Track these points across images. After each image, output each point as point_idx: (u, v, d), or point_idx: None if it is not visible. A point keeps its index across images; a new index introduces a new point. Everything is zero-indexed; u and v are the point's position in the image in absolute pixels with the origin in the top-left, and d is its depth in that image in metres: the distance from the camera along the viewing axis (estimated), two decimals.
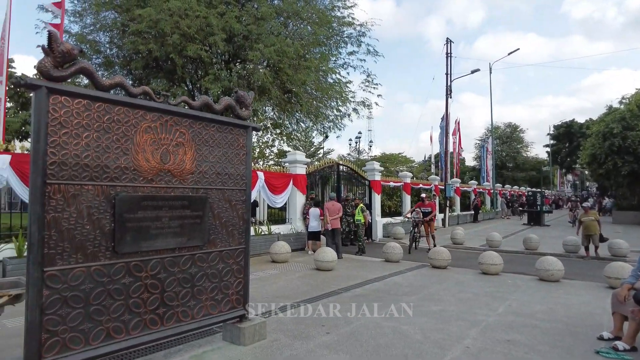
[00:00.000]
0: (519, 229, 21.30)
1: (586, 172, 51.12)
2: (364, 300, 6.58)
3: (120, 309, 3.51)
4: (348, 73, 21.85)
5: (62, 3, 10.94)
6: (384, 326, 5.30)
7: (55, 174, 3.15)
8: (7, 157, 7.36)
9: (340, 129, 18.03)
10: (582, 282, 8.27)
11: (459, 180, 27.86)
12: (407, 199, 19.61)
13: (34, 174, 3.08)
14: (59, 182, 3.17)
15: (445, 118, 24.14)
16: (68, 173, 3.22)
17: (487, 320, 5.64)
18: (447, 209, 22.90)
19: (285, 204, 13.55)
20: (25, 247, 7.29)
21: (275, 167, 14.19)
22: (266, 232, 12.23)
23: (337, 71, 16.34)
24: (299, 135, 20.42)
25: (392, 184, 18.85)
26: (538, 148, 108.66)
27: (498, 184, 36.96)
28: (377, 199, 16.70)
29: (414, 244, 13.03)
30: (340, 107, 17.30)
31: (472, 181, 32.08)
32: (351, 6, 16.34)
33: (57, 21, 11.03)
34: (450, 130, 25.41)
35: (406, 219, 13.94)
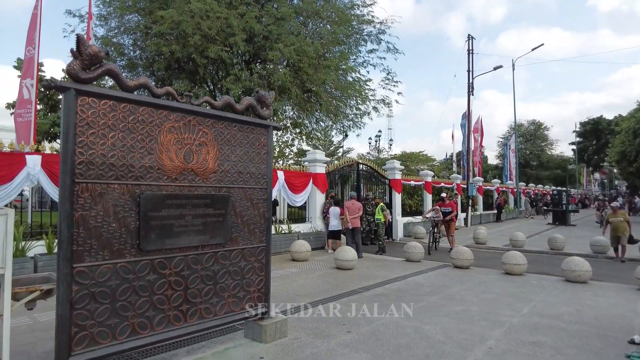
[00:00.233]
0: (544, 229, 20.81)
1: (615, 170, 49.55)
2: (385, 300, 6.55)
3: (145, 305, 3.59)
4: (368, 71, 21.87)
5: (89, 8, 11.24)
6: (405, 326, 5.26)
7: (83, 173, 3.24)
8: (38, 158, 7.62)
9: (359, 128, 17.97)
10: (611, 284, 8.02)
11: (482, 179, 27.37)
12: (429, 198, 19.38)
13: (63, 173, 3.17)
14: (87, 181, 3.26)
15: (467, 116, 23.76)
16: (95, 172, 3.31)
17: (511, 321, 5.53)
18: (470, 208, 22.55)
19: (305, 203, 13.59)
20: (55, 244, 7.56)
21: (295, 166, 14.23)
22: (286, 231, 12.29)
23: (357, 69, 16.28)
24: (318, 134, 20.41)
25: (412, 182, 18.66)
26: (563, 146, 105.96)
27: (521, 183, 36.18)
28: (397, 198, 16.57)
29: (434, 244, 12.79)
30: (359, 106, 17.24)
31: (495, 180, 31.49)
32: (371, 4, 16.26)
33: (84, 25, 11.34)
34: (472, 128, 24.99)
35: (425, 219, 13.68)
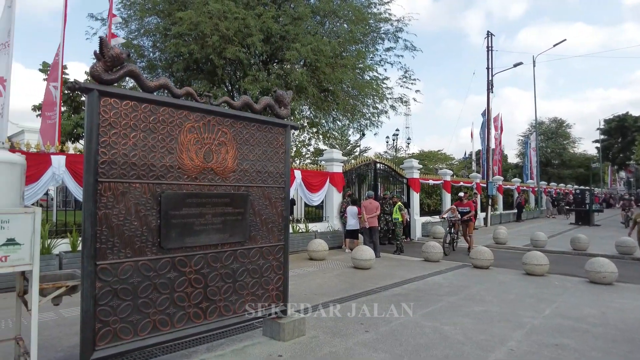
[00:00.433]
0: (566, 229, 20.33)
1: None
2: (403, 300, 6.50)
3: (165, 302, 3.65)
4: (385, 69, 21.64)
5: (110, 12, 11.47)
6: (424, 326, 5.21)
7: (105, 173, 3.31)
8: (63, 158, 7.82)
9: (377, 127, 17.88)
10: (638, 286, 7.78)
11: (502, 178, 26.91)
12: (447, 197, 19.15)
13: (86, 172, 3.24)
14: (109, 180, 3.33)
15: (487, 114, 23.40)
16: (117, 171, 3.38)
17: (532, 322, 5.42)
18: (489, 207, 22.20)
19: (322, 202, 13.60)
20: (79, 242, 7.75)
21: (312, 165, 14.25)
22: (303, 230, 12.32)
23: (374, 68, 16.20)
24: (335, 133, 20.39)
25: (431, 181, 18.48)
26: (586, 144, 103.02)
27: (543, 182, 35.43)
28: (415, 197, 16.42)
29: (451, 245, 12.48)
30: (377, 104, 17.15)
31: (515, 179, 30.94)
32: (388, 1, 16.18)
33: (106, 28, 11.58)
34: (492, 126, 24.58)
35: (442, 219, 13.42)
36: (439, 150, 39.24)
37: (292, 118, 16.35)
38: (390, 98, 17.37)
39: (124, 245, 3.40)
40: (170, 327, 3.68)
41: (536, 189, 31.46)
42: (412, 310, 5.92)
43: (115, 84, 3.48)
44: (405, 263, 10.22)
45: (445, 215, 12.81)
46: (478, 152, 34.33)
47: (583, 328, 5.20)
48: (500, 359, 4.20)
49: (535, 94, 33.75)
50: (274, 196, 4.66)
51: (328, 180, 13.21)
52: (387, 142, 34.08)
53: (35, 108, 19.95)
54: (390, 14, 16.11)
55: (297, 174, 11.94)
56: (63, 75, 11.61)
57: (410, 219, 15.35)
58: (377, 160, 15.98)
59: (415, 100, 22.60)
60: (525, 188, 30.48)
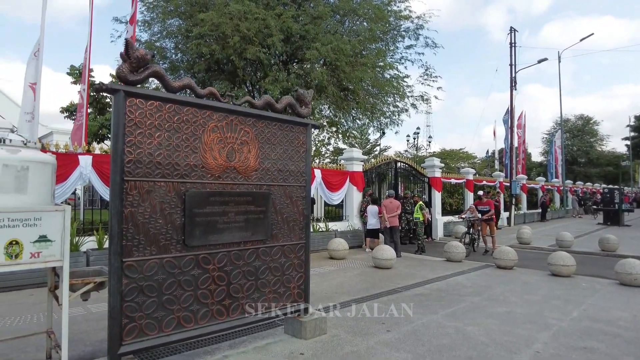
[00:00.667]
0: (594, 229, 19.74)
1: None
2: (425, 300, 6.44)
3: (189, 299, 3.71)
4: (406, 67, 21.42)
5: (134, 16, 11.70)
6: (446, 326, 5.15)
7: (131, 172, 3.38)
8: (89, 158, 8.03)
9: (397, 125, 17.73)
10: None
11: (526, 177, 26.33)
12: (470, 196, 18.85)
13: (113, 171, 3.32)
14: (135, 179, 3.40)
15: (510, 111, 22.92)
16: (143, 170, 3.44)
17: (559, 324, 5.28)
18: (513, 207, 21.74)
19: (342, 201, 13.58)
20: (105, 239, 7.96)
21: (332, 164, 14.25)
22: (323, 229, 12.33)
23: (395, 66, 16.06)
24: (355, 132, 20.33)
25: (453, 180, 18.23)
26: (615, 141, 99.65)
27: (568, 181, 34.52)
28: (437, 196, 16.22)
29: (472, 245, 12.08)
30: (397, 103, 17.01)
31: (540, 178, 30.19)
32: None
33: (130, 32, 11.83)
34: (515, 124, 24.06)
35: (461, 219, 13.10)
36: (460, 149, 38.72)
37: (312, 117, 16.39)
38: (411, 96, 17.21)
39: (149, 242, 3.47)
40: (194, 323, 3.74)
41: (561, 188, 30.66)
42: (434, 310, 5.86)
43: (140, 85, 3.55)
44: (426, 263, 10.11)
45: (464, 216, 12.51)
46: (501, 151, 33.65)
47: (614, 332, 5.04)
48: None
49: (561, 90, 32.88)
50: (295, 195, 4.67)
51: (348, 179, 13.19)
52: (407, 140, 33.72)
53: (64, 110, 20.58)
54: (410, 11, 15.95)
55: (317, 173, 11.96)
56: (89, 78, 11.92)
57: (431, 218, 15.17)
58: (398, 159, 15.86)
59: (436, 98, 22.35)
60: (550, 187, 29.75)
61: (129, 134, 3.37)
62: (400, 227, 11.68)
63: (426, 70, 17.01)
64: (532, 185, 26.83)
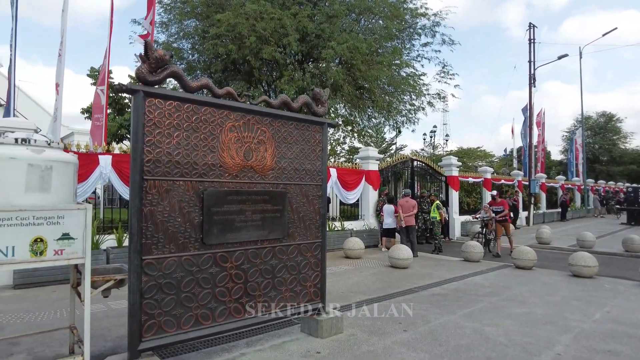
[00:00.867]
0: (616, 229, 19.26)
1: None
2: (443, 300, 6.38)
3: (207, 296, 3.75)
4: (422, 65, 21.13)
5: (152, 18, 11.87)
6: (464, 326, 5.09)
7: (150, 171, 3.43)
8: (109, 158, 8.19)
9: (413, 124, 17.56)
10: None
11: (545, 176, 25.84)
12: (488, 195, 18.56)
13: (133, 170, 3.37)
14: (154, 178, 3.45)
15: (529, 109, 22.50)
16: (162, 170, 3.49)
17: (581, 326, 5.17)
18: (532, 206, 21.36)
19: (358, 200, 13.54)
20: (124, 237, 8.10)
21: (347, 164, 14.21)
22: (339, 228, 12.32)
23: (411, 64, 15.93)
24: (370, 131, 20.25)
25: (470, 179, 18.01)
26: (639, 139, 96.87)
27: (590, 180, 33.74)
28: (454, 195, 16.05)
29: (487, 246, 11.75)
30: (414, 101, 16.88)
31: (560, 176, 29.57)
32: None
33: (148, 32, 12.00)
34: (534, 122, 23.61)
35: (475, 219, 12.83)
36: (478, 147, 38.21)
37: (328, 116, 16.37)
38: (428, 94, 17.05)
39: (168, 240, 3.52)
40: (212, 321, 3.78)
41: (582, 187, 29.99)
42: (451, 310, 5.80)
43: (158, 86, 3.60)
44: (443, 263, 10.01)
45: (478, 216, 12.22)
46: (519, 149, 33.08)
47: (639, 335, 4.91)
48: None
49: (582, 86, 32.13)
50: (311, 194, 4.68)
51: (364, 178, 13.14)
52: (424, 139, 33.47)
53: (84, 111, 21.01)
54: (426, 9, 15.80)
55: (333, 172, 11.95)
56: (108, 79, 12.14)
57: (448, 217, 15.01)
58: (414, 157, 15.74)
59: (453, 96, 22.07)
60: (570, 186, 29.13)
61: (148, 133, 3.42)
62: (417, 227, 11.58)
63: (443, 67, 16.83)
64: (551, 184, 26.32)
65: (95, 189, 9.48)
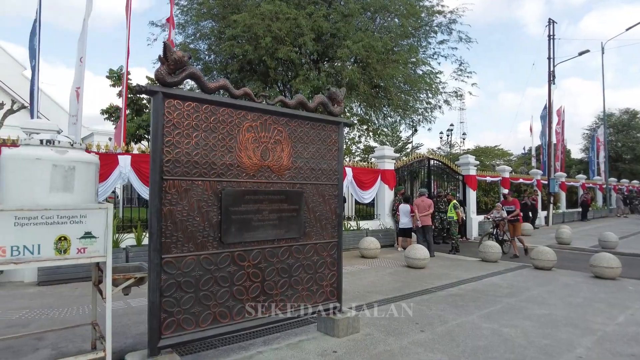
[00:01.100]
0: None
1: None
2: (460, 300, 6.32)
3: (225, 295, 3.79)
4: (439, 63, 20.95)
5: (171, 18, 12.06)
6: (482, 327, 5.03)
7: (170, 171, 3.49)
8: (128, 158, 8.33)
9: (430, 122, 17.41)
10: None
11: (565, 175, 25.30)
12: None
13: (153, 170, 3.43)
14: (174, 178, 3.51)
15: (548, 107, 22.07)
16: (181, 170, 3.55)
17: (603, 329, 5.06)
18: (551, 205, 20.95)
19: (373, 199, 13.49)
20: (143, 236, 8.24)
21: (362, 163, 14.16)
22: (355, 228, 12.29)
23: (427, 62, 15.80)
24: (385, 130, 20.12)
25: (488, 178, 17.76)
26: None
27: (612, 179, 32.89)
28: (472, 195, 15.85)
29: (501, 247, 11.18)
30: (430, 99, 16.73)
31: (580, 175, 28.93)
32: None
33: (165, 34, 12.20)
34: (554, 120, 23.13)
35: (487, 219, 12.56)
36: (495, 146, 37.69)
37: (343, 115, 16.33)
38: (444, 92, 16.88)
39: (187, 239, 3.57)
40: (230, 319, 3.82)
41: (604, 186, 29.28)
42: (469, 311, 5.74)
43: (176, 87, 3.65)
44: (461, 263, 9.91)
45: (490, 216, 11.93)
46: (538, 148, 32.45)
47: None
48: None
49: (604, 83, 31.37)
50: (327, 193, 4.69)
51: (379, 177, 13.09)
52: (440, 137, 33.08)
53: (104, 112, 21.40)
54: (443, 6, 15.66)
55: (348, 171, 11.93)
56: (127, 81, 12.35)
57: (466, 217, 14.83)
58: (431, 156, 15.60)
59: (470, 94, 21.84)
60: (591, 185, 28.47)
61: (168, 134, 3.48)
62: (433, 226, 11.46)
63: (460, 65, 16.65)
64: (571, 183, 25.76)
65: (115, 189, 9.66)
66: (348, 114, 17.10)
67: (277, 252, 4.18)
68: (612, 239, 12.45)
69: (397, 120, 18.18)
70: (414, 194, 14.77)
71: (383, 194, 13.26)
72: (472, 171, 15.91)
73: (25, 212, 2.94)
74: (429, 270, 8.74)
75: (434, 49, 16.49)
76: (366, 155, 26.79)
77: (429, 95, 16.50)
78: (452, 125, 32.09)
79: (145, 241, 8.01)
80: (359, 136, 22.60)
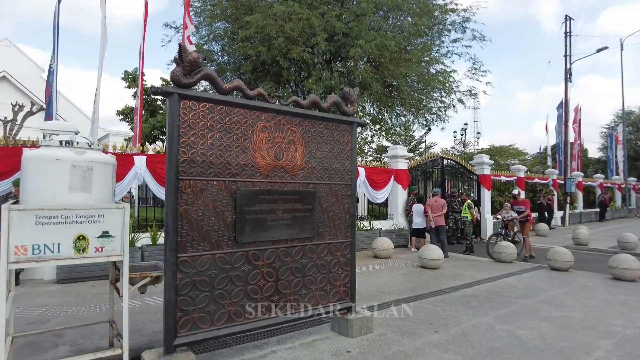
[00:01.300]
0: None
1: None
2: (474, 301, 6.26)
3: (239, 294, 3.82)
4: (453, 61, 20.85)
5: (187, 17, 12.16)
6: (497, 329, 4.98)
7: (185, 171, 3.53)
8: (144, 158, 8.45)
9: (444, 121, 17.23)
10: None
11: (582, 174, 24.85)
12: (521, 194, 18.06)
13: (168, 170, 3.48)
14: (189, 178, 3.55)
15: (564, 105, 21.70)
16: (196, 170, 3.59)
17: (623, 332, 4.96)
18: (568, 205, 20.59)
19: (386, 199, 13.43)
20: (158, 236, 8.34)
21: (375, 162, 14.11)
22: (367, 228, 12.26)
23: (441, 60, 15.65)
24: (398, 129, 20.00)
25: (503, 178, 17.54)
26: None
27: (631, 178, 32.18)
28: (486, 194, 15.67)
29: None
30: (444, 98, 16.58)
31: (598, 174, 28.39)
32: None
33: (179, 36, 12.32)
34: (570, 119, 22.73)
35: (497, 219, 12.37)
36: (510, 145, 37.18)
37: (356, 115, 16.28)
38: (458, 91, 16.71)
39: (203, 239, 3.61)
40: (244, 318, 3.85)
41: (623, 186, 28.68)
42: (483, 312, 5.68)
43: (191, 88, 3.69)
44: (475, 263, 9.81)
45: (499, 216, 11.72)
46: (553, 147, 31.93)
47: None
48: None
49: (623, 80, 30.66)
50: (340, 193, 4.69)
51: (392, 177, 13.03)
52: (454, 137, 32.78)
53: (119, 113, 21.72)
54: (456, 4, 15.49)
55: (361, 171, 11.90)
56: (142, 83, 12.52)
57: (480, 217, 14.67)
58: (444, 156, 15.47)
59: (485, 92, 21.67)
60: (609, 185, 27.91)
61: (183, 134, 3.52)
62: (448, 227, 11.36)
63: (474, 63, 16.45)
64: (589, 182, 25.29)
65: (130, 189, 9.79)
66: (361, 114, 17.05)
67: (291, 252, 4.20)
68: (632, 239, 12.19)
69: (410, 120, 18.06)
70: (427, 193, 14.67)
71: (396, 194, 13.20)
72: (487, 171, 15.74)
73: (46, 211, 3.00)
74: (442, 271, 8.67)
75: (447, 47, 16.32)
76: (379, 155, 26.72)
77: (443, 94, 16.34)
78: (466, 124, 31.78)
79: (161, 240, 8.11)
80: (372, 136, 22.56)
